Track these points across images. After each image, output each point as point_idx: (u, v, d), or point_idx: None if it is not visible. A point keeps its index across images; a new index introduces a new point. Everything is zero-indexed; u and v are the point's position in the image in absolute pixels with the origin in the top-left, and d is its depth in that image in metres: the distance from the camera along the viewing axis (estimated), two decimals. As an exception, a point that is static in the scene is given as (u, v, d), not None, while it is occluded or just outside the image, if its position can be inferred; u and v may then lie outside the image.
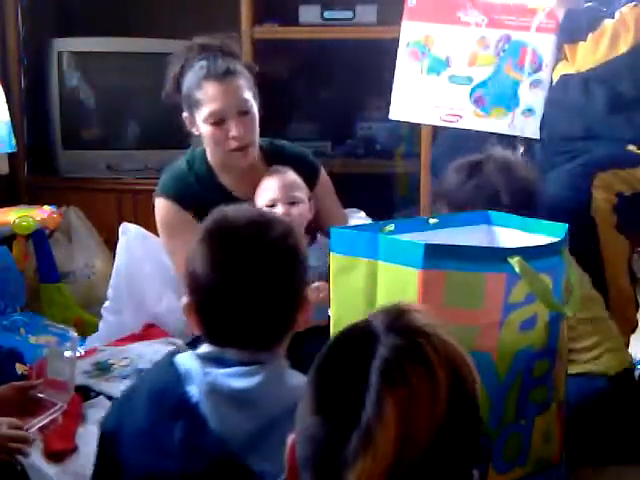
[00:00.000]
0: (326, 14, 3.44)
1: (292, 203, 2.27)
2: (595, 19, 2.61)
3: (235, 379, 1.32)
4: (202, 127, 2.31)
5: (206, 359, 1.36)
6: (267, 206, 2.26)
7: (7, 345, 2.51)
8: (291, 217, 2.23)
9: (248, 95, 2.30)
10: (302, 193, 2.30)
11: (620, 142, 2.50)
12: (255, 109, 2.32)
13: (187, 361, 1.37)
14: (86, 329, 2.91)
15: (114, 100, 3.65)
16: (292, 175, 2.32)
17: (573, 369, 2.06)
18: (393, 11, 3.26)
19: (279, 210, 2.24)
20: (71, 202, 3.46)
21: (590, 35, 2.59)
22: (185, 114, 2.34)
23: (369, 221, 2.79)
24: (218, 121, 2.27)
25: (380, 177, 3.72)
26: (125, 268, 2.73)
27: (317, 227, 2.37)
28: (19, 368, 2.33)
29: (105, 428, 1.46)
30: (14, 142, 3.25)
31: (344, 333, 0.99)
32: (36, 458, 1.88)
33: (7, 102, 3.29)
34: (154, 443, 1.34)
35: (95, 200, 3.48)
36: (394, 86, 2.85)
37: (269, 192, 2.27)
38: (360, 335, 0.96)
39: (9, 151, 3.29)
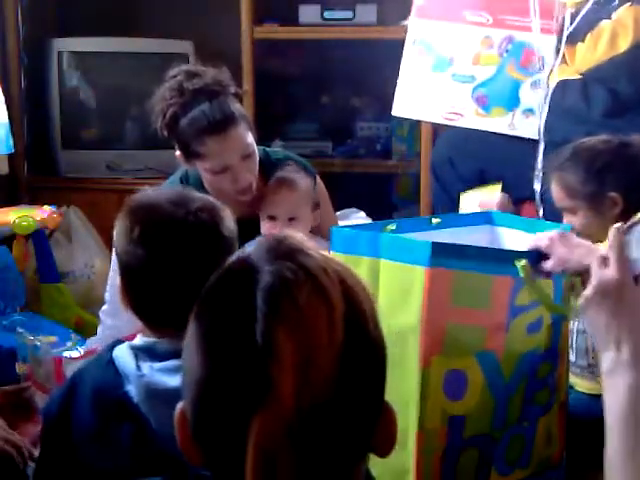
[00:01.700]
0: (326, 14, 3.43)
1: (292, 219, 2.24)
2: (593, 20, 2.61)
3: (169, 376, 1.33)
4: (202, 172, 2.21)
5: (140, 350, 1.38)
6: (268, 218, 2.24)
7: (7, 345, 2.51)
8: None
9: (249, 137, 2.19)
10: (305, 205, 2.25)
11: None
12: (255, 145, 2.22)
13: (123, 356, 1.39)
14: (86, 329, 2.91)
15: (114, 100, 3.65)
16: (298, 183, 2.26)
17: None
18: (393, 11, 3.27)
19: (278, 226, 2.21)
20: (71, 202, 3.45)
21: (589, 35, 2.59)
22: (178, 153, 2.22)
23: (369, 221, 2.79)
24: (221, 170, 2.18)
25: (380, 177, 3.72)
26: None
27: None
28: (19, 368, 2.33)
29: (50, 415, 1.45)
30: (11, 143, 3.25)
31: (218, 274, 0.86)
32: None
33: (7, 102, 3.29)
34: (105, 442, 1.35)
35: (95, 200, 3.47)
36: (399, 83, 2.85)
37: (270, 207, 2.24)
38: (238, 271, 0.84)
39: (6, 152, 3.28)
